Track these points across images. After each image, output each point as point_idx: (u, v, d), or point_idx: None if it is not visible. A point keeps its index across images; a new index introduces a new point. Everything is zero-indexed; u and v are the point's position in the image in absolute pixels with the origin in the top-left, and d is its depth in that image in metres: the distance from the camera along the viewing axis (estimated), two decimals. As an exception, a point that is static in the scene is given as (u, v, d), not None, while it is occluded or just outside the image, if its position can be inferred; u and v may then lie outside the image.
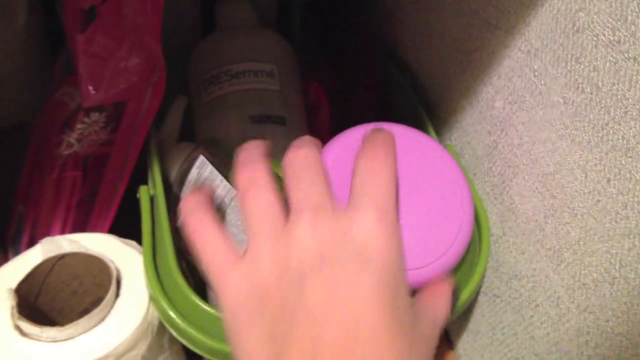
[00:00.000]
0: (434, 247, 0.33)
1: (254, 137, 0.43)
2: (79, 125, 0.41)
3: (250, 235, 0.28)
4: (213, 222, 0.29)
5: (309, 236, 0.26)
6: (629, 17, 0.26)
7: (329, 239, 0.26)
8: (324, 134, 0.46)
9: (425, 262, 0.33)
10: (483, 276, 0.39)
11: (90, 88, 0.40)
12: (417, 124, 0.44)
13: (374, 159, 0.29)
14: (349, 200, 0.28)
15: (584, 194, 0.31)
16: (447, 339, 0.48)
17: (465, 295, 0.37)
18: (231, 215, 0.36)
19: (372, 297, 0.25)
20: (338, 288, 0.25)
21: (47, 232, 0.41)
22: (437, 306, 0.30)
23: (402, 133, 0.34)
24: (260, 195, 0.28)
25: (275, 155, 0.37)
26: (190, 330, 0.34)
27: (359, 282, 0.25)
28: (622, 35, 0.27)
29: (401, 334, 0.25)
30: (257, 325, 0.26)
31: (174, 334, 0.35)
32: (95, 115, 0.41)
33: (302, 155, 0.29)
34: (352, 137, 0.34)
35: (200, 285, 0.36)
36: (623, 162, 0.28)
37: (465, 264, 0.37)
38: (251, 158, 0.30)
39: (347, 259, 0.26)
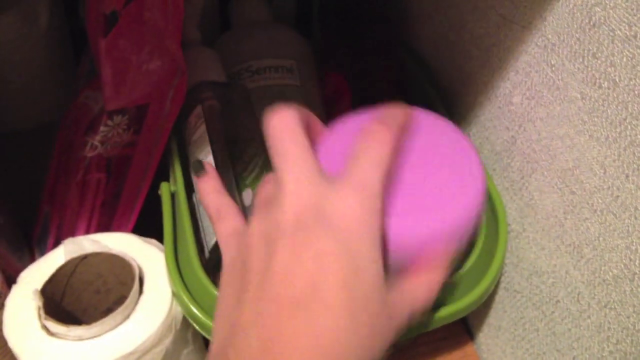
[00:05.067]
0: (444, 201, 0.31)
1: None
2: (102, 128, 0.41)
3: (253, 212, 0.31)
4: (226, 198, 0.34)
5: (289, 203, 0.27)
6: (645, 12, 0.26)
7: (307, 206, 0.27)
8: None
9: (435, 215, 0.31)
10: (501, 268, 0.39)
11: (113, 91, 0.41)
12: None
13: (372, 137, 0.29)
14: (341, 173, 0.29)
15: (603, 189, 0.31)
16: (467, 332, 0.48)
17: (483, 285, 0.37)
18: None
19: (335, 268, 0.25)
20: (303, 253, 0.26)
21: (72, 233, 0.42)
22: (416, 295, 0.29)
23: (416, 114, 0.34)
24: (263, 183, 0.31)
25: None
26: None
27: (324, 251, 0.25)
28: (638, 30, 0.26)
29: (361, 313, 0.25)
30: (232, 286, 0.28)
31: (197, 328, 0.35)
32: (118, 118, 0.41)
33: (283, 125, 0.30)
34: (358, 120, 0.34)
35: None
36: (641, 157, 0.28)
37: (483, 255, 0.38)
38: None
39: (318, 227, 0.26)
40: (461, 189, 0.31)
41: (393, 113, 0.32)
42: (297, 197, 0.27)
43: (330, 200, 0.27)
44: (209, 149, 0.38)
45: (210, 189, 0.35)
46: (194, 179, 0.36)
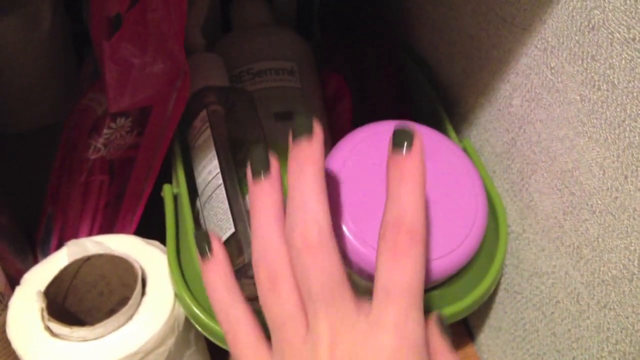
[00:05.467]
0: (451, 238, 0.34)
1: (279, 135, 0.44)
2: (105, 130, 0.41)
3: (273, 342, 0.28)
4: (239, 300, 0.30)
5: (324, 357, 0.26)
6: (643, 15, 0.26)
7: None
8: (346, 125, 0.47)
9: (443, 252, 0.34)
10: (501, 269, 0.39)
11: (117, 94, 0.41)
12: (435, 121, 0.44)
13: (404, 262, 0.26)
14: (372, 305, 0.27)
15: (602, 191, 0.31)
16: (468, 333, 0.48)
17: (484, 286, 0.37)
18: (214, 201, 0.37)
19: None
20: None
21: (75, 235, 0.42)
22: None
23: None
24: (281, 303, 0.27)
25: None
26: (215, 326, 0.34)
27: None
28: (636, 33, 0.27)
29: None
30: None
31: (200, 329, 0.35)
32: (121, 120, 0.41)
33: (309, 236, 0.26)
34: (369, 130, 0.36)
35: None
36: (640, 159, 0.28)
37: (483, 257, 0.38)
38: (267, 251, 0.28)
39: None
40: (470, 222, 0.35)
41: (417, 213, 0.27)
42: (333, 350, 0.26)
43: (368, 354, 0.25)
44: (213, 153, 0.38)
45: (218, 281, 0.30)
46: (198, 258, 0.31)
